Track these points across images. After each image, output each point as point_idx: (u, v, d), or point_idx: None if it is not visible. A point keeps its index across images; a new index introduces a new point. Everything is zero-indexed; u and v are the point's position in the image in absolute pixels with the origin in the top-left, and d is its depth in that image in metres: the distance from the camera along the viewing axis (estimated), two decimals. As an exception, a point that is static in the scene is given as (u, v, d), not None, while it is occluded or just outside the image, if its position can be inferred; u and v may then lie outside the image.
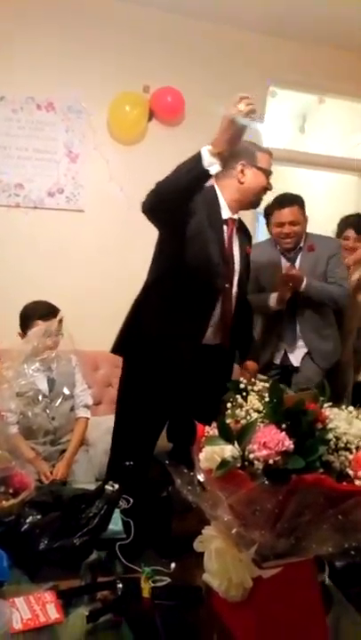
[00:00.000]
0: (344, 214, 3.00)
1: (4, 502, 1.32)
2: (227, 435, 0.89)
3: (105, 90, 2.96)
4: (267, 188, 1.86)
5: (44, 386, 1.95)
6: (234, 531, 0.92)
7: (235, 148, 1.58)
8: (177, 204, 1.60)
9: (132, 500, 1.48)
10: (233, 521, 0.92)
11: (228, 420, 0.92)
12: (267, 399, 0.95)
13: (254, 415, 0.92)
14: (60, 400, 1.92)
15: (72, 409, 2.10)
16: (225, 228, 1.83)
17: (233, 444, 0.89)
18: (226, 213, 1.82)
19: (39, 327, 1.52)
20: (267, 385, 1.00)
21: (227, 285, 1.83)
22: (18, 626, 1.00)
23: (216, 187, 1.83)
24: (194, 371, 1.80)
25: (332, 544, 0.92)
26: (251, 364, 2.12)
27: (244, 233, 1.96)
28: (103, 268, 3.03)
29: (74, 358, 2.09)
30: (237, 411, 0.95)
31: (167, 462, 1.01)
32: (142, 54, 3.02)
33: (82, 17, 2.94)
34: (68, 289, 2.65)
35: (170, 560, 1.26)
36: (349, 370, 2.84)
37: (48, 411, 1.97)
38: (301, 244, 2.52)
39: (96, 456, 2.19)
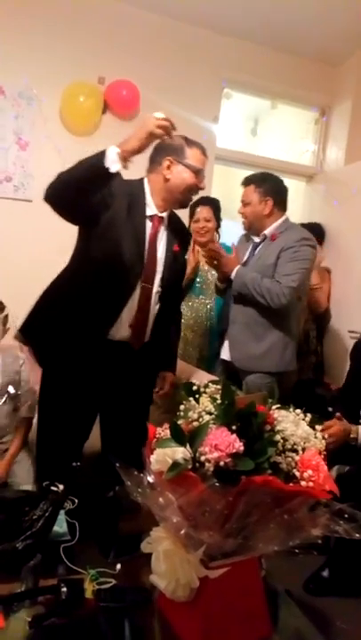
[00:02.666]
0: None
1: None
2: (179, 437, 0.89)
3: (58, 78, 2.88)
4: (196, 186, 1.74)
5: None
6: (183, 532, 0.93)
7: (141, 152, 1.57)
8: (75, 196, 1.55)
9: (77, 501, 1.46)
10: (182, 522, 0.93)
11: (180, 422, 0.92)
12: (219, 401, 0.96)
13: (206, 417, 0.93)
14: (3, 399, 1.85)
15: (16, 408, 2.02)
16: (148, 224, 1.75)
17: (185, 445, 0.89)
18: (150, 210, 1.75)
19: None
20: (218, 387, 1.01)
21: (145, 284, 1.74)
22: None
23: (145, 181, 1.77)
24: (100, 365, 1.75)
25: (278, 542, 0.95)
26: (169, 376, 2.02)
27: (176, 231, 1.85)
28: (51, 259, 2.94)
29: (21, 355, 2.01)
30: (190, 412, 0.95)
31: (117, 464, 1.00)
32: (99, 45, 2.97)
33: (39, 3, 2.84)
34: (14, 281, 2.56)
35: (115, 561, 1.25)
36: (293, 375, 2.88)
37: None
38: (266, 232, 2.30)
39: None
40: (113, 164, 1.48)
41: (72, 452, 1.82)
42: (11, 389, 1.87)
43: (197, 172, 1.74)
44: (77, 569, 1.21)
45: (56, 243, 3.08)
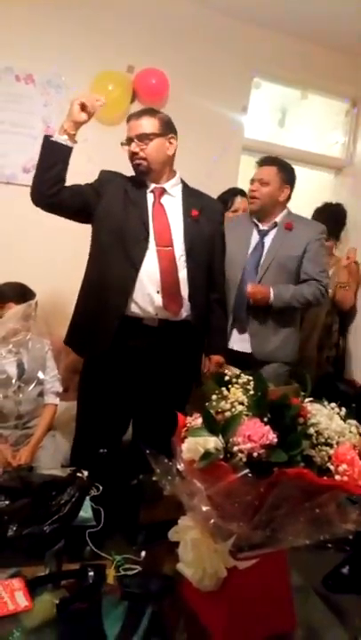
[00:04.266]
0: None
1: (-31, 486, 1.28)
2: (212, 426, 0.89)
3: (87, 66, 2.87)
4: (130, 153, 1.85)
5: (12, 370, 1.90)
6: (212, 521, 0.92)
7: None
8: (50, 185, 1.74)
9: (101, 488, 1.47)
10: (211, 512, 0.92)
11: (211, 412, 0.91)
12: (251, 392, 0.95)
13: (239, 408, 0.92)
14: (31, 385, 1.88)
15: (40, 394, 2.05)
16: (149, 196, 1.87)
17: (217, 435, 0.88)
18: (150, 187, 1.88)
19: (16, 309, 1.47)
20: (250, 377, 1.00)
21: (163, 248, 1.79)
22: (-15, 613, 0.97)
23: None
24: (135, 351, 1.78)
25: (307, 536, 0.94)
26: (216, 358, 2.02)
27: (194, 199, 1.93)
28: (77, 248, 2.96)
29: (47, 343, 2.03)
30: (222, 403, 0.94)
31: (147, 451, 1.00)
32: (128, 34, 2.94)
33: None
34: (40, 269, 2.58)
35: (140, 549, 1.26)
36: (311, 366, 2.86)
37: (17, 395, 1.92)
38: (278, 220, 2.27)
39: (62, 442, 2.16)
40: (56, 135, 1.76)
41: (108, 441, 1.84)
42: (40, 375, 1.89)
43: (127, 141, 1.86)
44: (102, 554, 1.22)
45: (81, 231, 3.09)
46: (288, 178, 2.25)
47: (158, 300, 1.77)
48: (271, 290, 2.15)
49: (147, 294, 1.77)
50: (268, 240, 2.25)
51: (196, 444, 0.89)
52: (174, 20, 3.03)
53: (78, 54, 2.87)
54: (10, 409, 1.94)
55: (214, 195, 2.77)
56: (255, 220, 2.30)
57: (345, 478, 0.86)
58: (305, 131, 3.85)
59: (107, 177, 1.91)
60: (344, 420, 0.96)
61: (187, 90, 3.03)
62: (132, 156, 1.86)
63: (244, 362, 2.22)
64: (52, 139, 1.73)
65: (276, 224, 2.26)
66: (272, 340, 2.23)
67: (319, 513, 0.92)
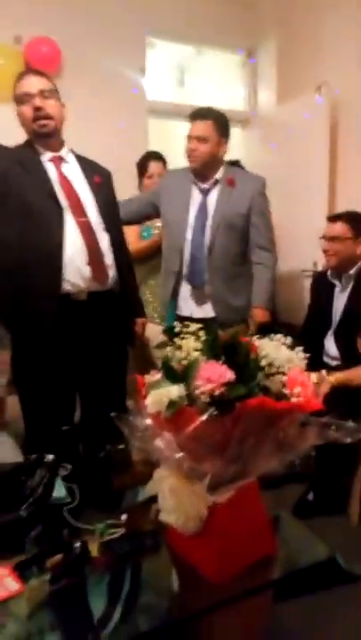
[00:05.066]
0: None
1: None
2: (172, 375, 0.91)
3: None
4: (29, 110, 1.72)
5: None
6: (186, 466, 0.96)
7: None
8: None
9: (70, 467, 1.47)
10: (184, 457, 0.96)
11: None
12: (203, 338, 0.98)
13: (194, 354, 0.95)
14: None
15: None
16: (50, 167, 1.77)
17: (179, 384, 0.91)
18: (45, 155, 1.78)
19: None
20: (199, 325, 1.03)
21: (80, 219, 1.74)
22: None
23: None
24: (67, 329, 1.75)
25: (275, 461, 1.00)
26: (141, 320, 2.10)
27: (89, 166, 1.88)
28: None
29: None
30: (177, 352, 0.97)
31: (113, 414, 1.01)
32: (11, 2, 2.76)
33: None
34: None
35: (119, 513, 1.28)
36: None
37: None
38: (218, 177, 2.20)
39: (18, 434, 2.11)
40: None
41: (60, 420, 1.82)
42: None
43: (21, 98, 1.74)
44: (84, 526, 1.23)
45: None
46: (225, 131, 2.18)
47: (87, 272, 1.74)
48: (263, 307, 2.25)
49: (76, 268, 1.73)
50: (211, 199, 2.20)
51: (159, 395, 0.92)
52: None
53: None
54: None
55: (130, 162, 2.75)
56: (194, 179, 2.24)
57: (301, 399, 0.93)
58: (206, 87, 3.86)
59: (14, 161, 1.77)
60: (291, 349, 1.02)
61: (82, 56, 2.93)
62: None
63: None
64: None
65: (217, 181, 2.20)
66: (235, 301, 2.26)
67: (282, 438, 0.99)
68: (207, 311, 2.26)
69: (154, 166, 2.73)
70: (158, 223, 2.69)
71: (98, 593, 1.07)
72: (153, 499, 1.23)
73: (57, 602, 1.03)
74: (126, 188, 2.64)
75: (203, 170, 2.20)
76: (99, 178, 1.87)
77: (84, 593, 1.08)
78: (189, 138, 2.17)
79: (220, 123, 2.16)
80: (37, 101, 1.72)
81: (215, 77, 3.82)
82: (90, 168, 1.88)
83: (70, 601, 1.04)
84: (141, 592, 1.08)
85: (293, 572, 1.09)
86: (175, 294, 2.32)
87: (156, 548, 1.14)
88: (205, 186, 2.24)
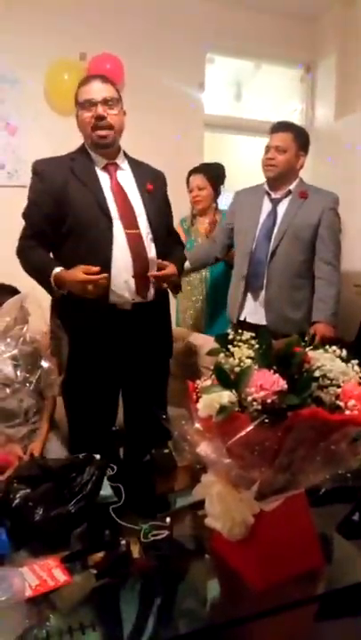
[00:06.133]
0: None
1: (-11, 482, 1.30)
2: (226, 380, 0.93)
3: (40, 58, 2.85)
4: (91, 118, 1.72)
5: (9, 368, 1.90)
6: (234, 473, 0.97)
7: None
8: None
9: (116, 468, 1.51)
10: (233, 463, 0.97)
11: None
12: (256, 347, 0.99)
13: (248, 361, 0.96)
14: (30, 380, 1.87)
15: (40, 388, 2.05)
16: (104, 176, 1.77)
17: (231, 389, 0.93)
18: (100, 163, 1.78)
19: (12, 300, 1.47)
20: (252, 334, 1.04)
21: (130, 231, 1.72)
22: (28, 593, 1.00)
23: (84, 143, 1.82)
24: (112, 336, 1.76)
25: (326, 473, 0.99)
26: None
27: (144, 172, 1.86)
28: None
29: (43, 335, 2.03)
30: (230, 359, 0.98)
31: (164, 416, 1.04)
32: (77, 21, 2.92)
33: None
34: (15, 268, 2.57)
35: (163, 516, 1.30)
36: None
37: (18, 393, 1.92)
38: (291, 188, 2.25)
39: (67, 432, 2.18)
40: (56, 292, 1.68)
41: (103, 425, 1.87)
42: (38, 369, 1.88)
43: (83, 105, 1.73)
44: (130, 526, 1.26)
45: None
46: (304, 144, 2.24)
47: (132, 285, 1.74)
48: (327, 322, 2.18)
49: (123, 281, 1.73)
50: (281, 208, 2.25)
51: (211, 400, 0.94)
52: (122, 2, 3.01)
53: (29, 46, 2.85)
54: (13, 407, 1.95)
55: (184, 173, 2.81)
56: (267, 189, 2.30)
57: (355, 412, 0.92)
58: (262, 101, 3.89)
59: (42, 168, 1.80)
60: (345, 362, 1.01)
61: (143, 72, 3.04)
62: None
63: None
64: (51, 280, 1.67)
65: (289, 192, 2.25)
66: (291, 312, 2.23)
67: (333, 451, 0.98)
68: (260, 318, 2.26)
69: (193, 180, 2.77)
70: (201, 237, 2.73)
71: (139, 593, 1.09)
72: (198, 504, 1.24)
73: (99, 599, 1.05)
74: (180, 200, 2.71)
75: (277, 180, 2.25)
76: (151, 184, 1.85)
77: (126, 592, 1.09)
78: (268, 148, 2.23)
79: (300, 136, 2.24)
80: (100, 110, 1.70)
81: (272, 92, 3.85)
82: (143, 174, 1.86)
83: (112, 599, 1.06)
84: (182, 595, 1.09)
85: (338, 590, 1.06)
86: (244, 299, 2.33)
87: (199, 552, 1.15)
88: (277, 196, 2.28)
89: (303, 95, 3.70)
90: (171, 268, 1.79)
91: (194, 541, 1.19)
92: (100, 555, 1.15)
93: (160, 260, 1.78)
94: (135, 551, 1.18)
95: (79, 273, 1.59)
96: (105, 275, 1.61)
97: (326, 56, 3.49)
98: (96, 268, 1.59)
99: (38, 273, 1.72)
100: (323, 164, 3.40)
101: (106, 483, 1.39)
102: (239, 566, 1.06)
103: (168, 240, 1.93)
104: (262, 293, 2.25)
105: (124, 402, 1.97)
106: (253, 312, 2.28)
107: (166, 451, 1.57)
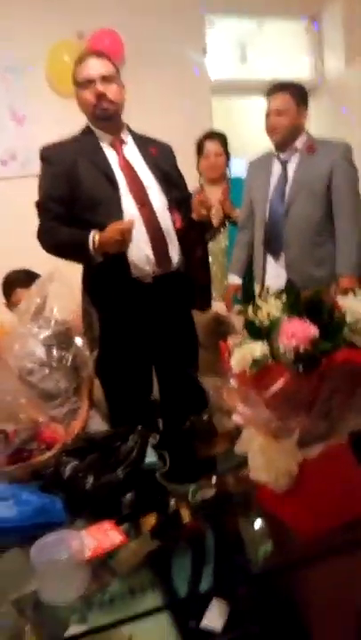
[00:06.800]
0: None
1: (40, 457, 1.35)
2: (257, 333, 0.93)
3: (39, 43, 2.83)
4: (92, 95, 1.74)
5: (41, 350, 1.94)
6: (273, 424, 0.98)
7: None
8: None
9: (158, 436, 1.54)
10: (271, 415, 0.98)
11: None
12: (284, 299, 0.99)
13: (276, 313, 0.96)
14: (64, 360, 1.92)
15: (76, 366, 2.10)
16: (111, 153, 1.80)
17: (263, 340, 0.93)
18: (105, 140, 1.81)
19: (41, 279, 1.50)
20: (280, 289, 1.04)
21: (142, 206, 1.76)
22: (87, 554, 1.05)
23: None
24: (139, 311, 1.80)
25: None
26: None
27: (145, 143, 1.88)
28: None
29: (70, 315, 2.07)
30: (259, 313, 0.99)
31: (198, 378, 1.05)
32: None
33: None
34: (35, 262, 2.61)
35: (208, 477, 1.33)
36: None
37: (53, 373, 1.97)
38: (298, 145, 2.20)
39: (106, 409, 2.23)
40: (96, 257, 1.72)
41: (139, 398, 1.92)
42: (70, 348, 1.92)
43: (84, 84, 1.74)
44: (176, 487, 1.29)
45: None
46: (303, 99, 2.20)
47: (152, 258, 1.77)
48: (351, 274, 2.11)
49: (143, 255, 1.76)
50: (291, 167, 2.22)
51: (244, 354, 0.95)
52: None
53: (28, 33, 2.84)
54: (50, 388, 2.00)
55: (194, 142, 2.77)
56: (275, 152, 2.27)
57: (390, 353, 0.91)
58: (269, 60, 3.77)
59: (49, 153, 1.85)
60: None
61: (143, 43, 2.98)
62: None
63: None
64: (90, 252, 1.71)
65: (296, 149, 2.22)
66: (314, 271, 2.18)
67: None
68: (283, 281, 2.21)
69: (209, 146, 2.70)
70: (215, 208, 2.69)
71: (192, 552, 1.12)
72: (241, 465, 1.27)
73: (155, 560, 1.08)
74: (191, 171, 2.68)
75: (284, 142, 2.22)
76: (155, 150, 1.87)
77: (179, 552, 1.13)
78: (268, 113, 2.19)
79: (297, 93, 2.18)
80: (100, 87, 1.72)
81: (278, 49, 3.72)
82: (147, 145, 1.88)
83: (167, 559, 1.09)
84: (234, 549, 1.11)
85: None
86: (265, 264, 2.30)
87: (247, 506, 1.18)
88: (285, 156, 2.25)
89: (310, 48, 3.57)
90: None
91: (240, 498, 1.21)
92: (153, 517, 1.18)
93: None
94: (185, 516, 1.21)
95: (114, 226, 1.67)
96: (131, 219, 1.68)
97: (331, 4, 3.34)
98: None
99: (73, 244, 1.75)
100: (338, 115, 3.29)
101: (150, 450, 1.43)
102: (287, 517, 1.08)
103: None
104: (282, 255, 2.23)
105: (157, 373, 2.01)
106: (275, 276, 2.25)
107: (205, 417, 1.60)
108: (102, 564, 1.05)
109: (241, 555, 1.09)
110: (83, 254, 1.73)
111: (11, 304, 2.16)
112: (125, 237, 1.66)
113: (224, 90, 3.43)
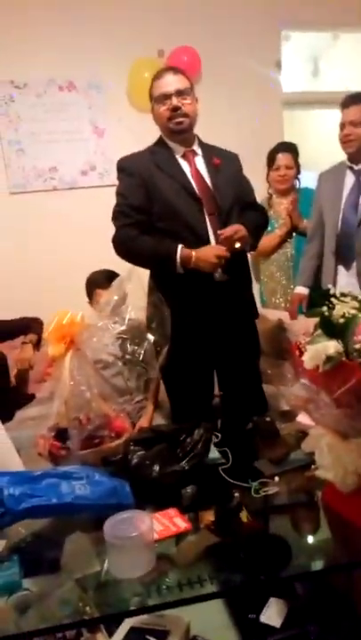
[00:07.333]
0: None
1: (110, 444, 1.43)
2: (331, 330, 0.96)
3: (120, 61, 2.99)
4: (168, 111, 1.82)
5: (115, 348, 2.03)
6: (344, 422, 0.99)
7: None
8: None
9: (220, 435, 1.58)
10: (342, 413, 0.99)
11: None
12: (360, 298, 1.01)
13: (352, 312, 0.98)
14: (136, 358, 1.99)
15: (146, 361, 2.17)
16: (184, 163, 1.88)
17: (337, 338, 0.95)
18: (178, 151, 1.89)
19: (120, 278, 1.60)
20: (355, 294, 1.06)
21: (212, 215, 1.83)
22: (155, 536, 1.10)
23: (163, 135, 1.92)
24: (209, 309, 1.85)
25: None
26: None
27: (210, 152, 1.93)
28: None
29: (141, 312, 2.15)
30: (333, 312, 1.01)
31: (269, 371, 1.08)
32: (152, 20, 3.03)
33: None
34: (113, 265, 2.74)
35: (271, 476, 1.34)
36: None
37: (124, 371, 2.05)
38: None
39: (169, 411, 2.29)
40: (179, 269, 1.80)
41: (202, 401, 1.96)
42: (138, 351, 1.99)
43: (160, 99, 1.83)
44: (241, 484, 1.32)
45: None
46: None
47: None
48: None
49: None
50: None
51: (317, 351, 0.97)
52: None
53: (109, 51, 3.01)
54: (121, 385, 2.09)
55: (265, 154, 2.81)
56: (349, 163, 2.30)
57: None
58: (340, 72, 3.75)
59: (127, 164, 1.94)
60: None
61: (220, 59, 3.08)
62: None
63: None
64: (177, 264, 1.80)
65: None
66: None
67: None
68: (355, 289, 2.20)
69: (281, 158, 2.73)
70: (283, 218, 2.71)
71: (251, 547, 1.14)
72: (305, 466, 1.28)
73: (213, 553, 1.11)
74: (261, 181, 2.72)
75: (358, 152, 2.23)
76: (218, 159, 1.92)
77: (239, 548, 1.15)
78: (343, 124, 2.22)
79: None
80: (175, 101, 1.81)
81: (351, 61, 3.70)
82: (211, 153, 1.94)
83: (226, 555, 1.11)
84: (294, 544, 1.12)
85: None
86: (335, 273, 2.32)
87: (311, 505, 1.19)
88: (358, 167, 2.27)
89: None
90: (234, 227, 1.81)
91: (305, 496, 1.22)
92: (212, 512, 1.21)
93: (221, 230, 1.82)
94: (243, 517, 1.23)
95: (213, 250, 1.78)
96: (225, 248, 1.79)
97: None
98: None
99: (157, 256, 1.84)
100: None
101: (213, 447, 1.47)
102: (353, 516, 1.08)
103: (245, 214, 1.97)
104: (354, 265, 2.23)
105: (218, 378, 2.04)
106: (346, 285, 2.23)
107: (268, 419, 1.62)
108: (163, 554, 1.09)
109: (300, 553, 1.10)
110: (165, 265, 1.82)
111: (93, 302, 2.29)
112: (220, 262, 1.77)
113: (296, 102, 3.46)
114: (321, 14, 3.26)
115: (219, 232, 1.82)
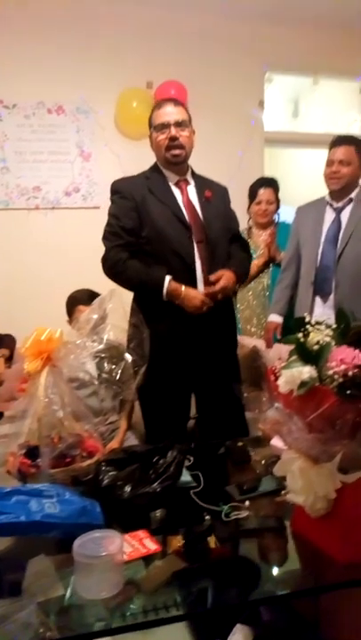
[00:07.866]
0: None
1: (81, 463, 1.41)
2: (306, 356, 0.99)
3: (110, 89, 3.09)
4: (166, 140, 1.88)
5: (92, 367, 2.02)
6: (316, 447, 1.02)
7: None
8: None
9: (192, 458, 1.58)
10: (315, 438, 1.02)
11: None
12: (334, 326, 1.05)
13: (326, 339, 1.02)
14: (114, 372, 1.97)
15: (121, 383, 2.16)
16: (176, 192, 1.94)
17: (312, 363, 0.99)
18: (172, 180, 1.94)
19: (100, 297, 1.60)
20: (327, 319, 1.10)
21: (200, 243, 1.88)
22: (125, 557, 1.09)
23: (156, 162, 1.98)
24: (185, 330, 1.89)
25: None
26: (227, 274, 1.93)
27: (203, 184, 2.00)
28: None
29: (121, 332, 2.15)
30: (308, 339, 1.04)
31: (245, 394, 1.11)
32: (142, 53, 3.15)
33: (82, 20, 3.07)
34: (91, 286, 2.75)
35: (243, 499, 1.35)
36: None
37: (99, 392, 2.04)
38: (353, 196, 2.36)
39: (143, 432, 2.27)
40: (164, 298, 1.84)
41: (177, 423, 1.96)
42: (114, 373, 1.99)
43: (159, 128, 1.90)
44: (211, 507, 1.32)
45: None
46: None
47: (202, 290, 1.88)
48: None
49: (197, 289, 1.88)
50: (345, 214, 2.36)
51: (292, 375, 1.00)
52: (185, 31, 3.23)
53: (100, 79, 3.11)
54: (94, 406, 2.07)
55: (245, 187, 2.91)
56: (329, 200, 2.40)
57: None
58: (320, 115, 3.96)
59: (122, 187, 1.96)
60: None
61: (206, 95, 3.21)
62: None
63: None
64: (163, 295, 1.85)
65: (351, 200, 2.36)
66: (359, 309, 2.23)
67: None
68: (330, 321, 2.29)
69: (263, 193, 2.83)
70: (262, 249, 2.80)
71: (218, 573, 1.14)
72: (275, 491, 1.29)
73: (180, 580, 1.09)
74: (242, 213, 2.81)
75: (341, 191, 2.35)
76: (210, 192, 1.99)
77: (206, 571, 1.14)
78: (331, 162, 2.32)
79: (360, 147, 2.32)
80: (173, 131, 1.88)
81: (330, 105, 3.91)
82: (203, 185, 2.00)
83: (193, 580, 1.10)
84: (263, 568, 1.12)
85: None
86: (312, 305, 2.40)
87: (280, 530, 1.20)
88: (339, 205, 2.38)
89: (362, 106, 3.73)
90: (223, 281, 1.87)
91: (274, 521, 1.23)
92: (180, 538, 1.20)
93: (212, 275, 1.88)
94: (212, 542, 1.23)
95: (200, 297, 1.84)
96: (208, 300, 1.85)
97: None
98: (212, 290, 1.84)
99: (145, 283, 1.88)
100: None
101: (185, 471, 1.47)
102: (321, 542, 1.10)
103: (231, 247, 2.05)
104: (331, 297, 2.32)
105: (197, 401, 2.05)
106: (321, 315, 2.31)
107: (240, 444, 1.64)
108: (130, 579, 1.07)
109: (268, 578, 1.10)
110: (151, 292, 1.86)
111: (73, 321, 2.28)
112: (203, 308, 1.84)
113: (276, 141, 3.61)
114: (303, 60, 3.45)
115: (210, 277, 1.88)
